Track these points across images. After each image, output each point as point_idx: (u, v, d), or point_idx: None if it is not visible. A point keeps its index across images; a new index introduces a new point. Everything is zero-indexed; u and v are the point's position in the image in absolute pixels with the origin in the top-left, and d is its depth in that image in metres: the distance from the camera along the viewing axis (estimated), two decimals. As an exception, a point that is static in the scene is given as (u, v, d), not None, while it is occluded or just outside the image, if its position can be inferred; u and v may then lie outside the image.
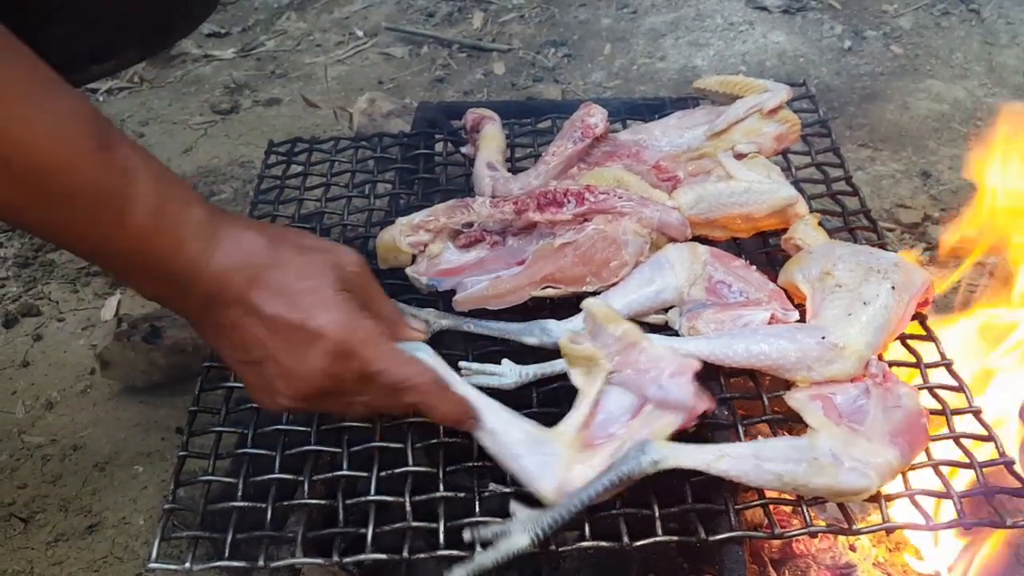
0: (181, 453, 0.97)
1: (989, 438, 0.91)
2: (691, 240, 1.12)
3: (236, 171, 2.10)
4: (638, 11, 2.61)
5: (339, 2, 2.86)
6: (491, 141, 1.30)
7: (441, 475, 0.92)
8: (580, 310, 1.04)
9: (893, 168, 1.98)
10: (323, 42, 2.67)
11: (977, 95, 2.21)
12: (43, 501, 1.37)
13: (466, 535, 0.85)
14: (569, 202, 1.11)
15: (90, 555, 1.29)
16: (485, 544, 0.84)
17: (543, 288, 1.07)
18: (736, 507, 0.89)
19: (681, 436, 0.89)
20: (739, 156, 1.22)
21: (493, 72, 2.43)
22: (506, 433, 0.89)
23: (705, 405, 0.90)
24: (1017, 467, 0.88)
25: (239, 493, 0.92)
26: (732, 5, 2.58)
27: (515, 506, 0.86)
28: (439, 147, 1.43)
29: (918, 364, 0.99)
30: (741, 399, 0.98)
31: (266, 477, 0.94)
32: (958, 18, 2.51)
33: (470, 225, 1.15)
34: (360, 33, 2.68)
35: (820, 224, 1.13)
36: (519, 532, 0.83)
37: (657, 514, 0.87)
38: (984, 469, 0.88)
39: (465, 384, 0.92)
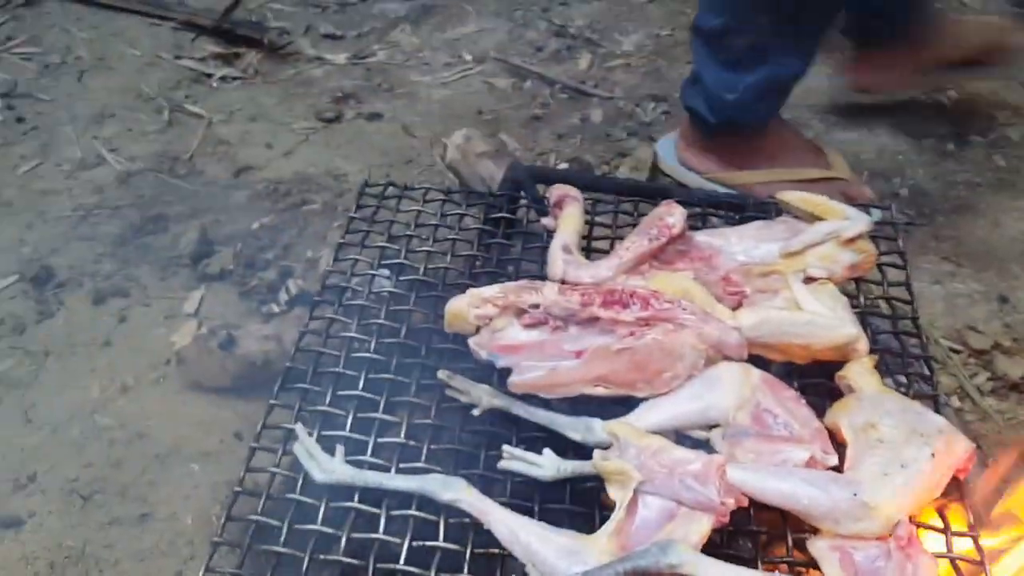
0: (236, 489, 1.04)
1: (1002, 624, 0.92)
2: (747, 360, 1.15)
3: (330, 183, 2.19)
4: (743, 78, 2.62)
5: (452, 22, 2.93)
6: (571, 222, 1.34)
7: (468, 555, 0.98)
8: (628, 410, 1.09)
9: (972, 287, 1.96)
10: (431, 61, 2.75)
11: (1075, 222, 2.16)
12: (104, 483, 1.48)
13: None
14: (634, 304, 1.15)
15: (138, 544, 1.39)
16: None
17: (595, 387, 1.12)
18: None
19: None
20: (809, 280, 1.25)
21: (590, 119, 2.48)
22: (540, 551, 0.94)
23: (733, 501, 0.94)
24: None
25: (282, 539, 0.99)
26: (838, 87, 2.57)
27: None
28: (521, 211, 1.49)
29: (945, 530, 1.01)
30: (767, 534, 1.01)
31: (309, 527, 1.00)
32: (1070, 135, 2.46)
33: (536, 307, 1.20)
34: (469, 57, 2.75)
35: (876, 367, 1.15)
36: None
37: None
38: (991, 657, 0.90)
39: (500, 509, 0.98)
